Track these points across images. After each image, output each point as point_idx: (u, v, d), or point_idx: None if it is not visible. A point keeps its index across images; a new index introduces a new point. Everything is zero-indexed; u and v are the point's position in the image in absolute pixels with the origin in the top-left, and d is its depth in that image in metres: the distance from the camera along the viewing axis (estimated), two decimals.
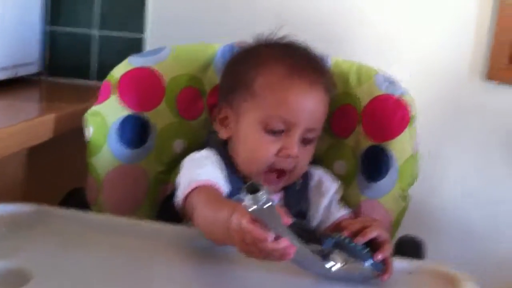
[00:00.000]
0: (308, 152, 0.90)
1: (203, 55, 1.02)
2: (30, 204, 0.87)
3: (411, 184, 0.94)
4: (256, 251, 0.65)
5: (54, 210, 0.88)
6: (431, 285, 0.77)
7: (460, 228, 1.25)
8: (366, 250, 0.75)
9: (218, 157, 0.90)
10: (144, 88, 0.99)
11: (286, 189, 0.92)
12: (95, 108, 0.97)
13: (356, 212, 0.95)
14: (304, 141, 0.89)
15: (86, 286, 0.69)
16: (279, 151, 0.87)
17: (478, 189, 1.24)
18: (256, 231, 0.64)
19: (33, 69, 1.29)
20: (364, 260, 0.74)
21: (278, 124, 0.87)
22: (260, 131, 0.87)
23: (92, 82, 1.32)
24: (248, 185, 0.63)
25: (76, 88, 1.30)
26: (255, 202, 0.62)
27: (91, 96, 1.15)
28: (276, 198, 0.91)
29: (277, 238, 0.64)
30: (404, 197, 0.94)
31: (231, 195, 0.85)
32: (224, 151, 0.92)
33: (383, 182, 0.94)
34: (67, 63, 1.34)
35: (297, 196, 0.92)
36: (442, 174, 1.24)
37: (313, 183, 0.95)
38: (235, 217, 0.66)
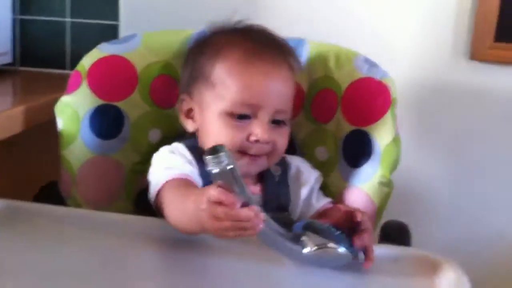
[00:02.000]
0: (282, 134, 0.87)
1: (176, 41, 0.98)
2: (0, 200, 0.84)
3: (393, 169, 0.92)
4: (228, 225, 0.64)
5: (25, 205, 0.85)
6: (415, 271, 0.75)
7: (446, 211, 1.24)
8: (340, 233, 0.71)
9: (188, 150, 0.87)
10: (116, 77, 0.96)
11: (264, 182, 0.89)
12: (64, 98, 0.94)
13: (338, 199, 0.93)
14: (276, 123, 0.86)
15: (59, 284, 0.67)
16: (248, 136, 0.84)
17: (463, 170, 1.23)
18: (224, 194, 0.63)
19: (5, 60, 1.25)
20: (338, 243, 0.71)
21: (243, 109, 0.84)
22: (225, 119, 0.84)
23: (67, 72, 1.28)
24: (210, 148, 0.61)
25: (51, 78, 1.27)
26: (217, 163, 0.61)
27: (66, 85, 1.11)
28: (255, 190, 0.88)
29: (245, 205, 0.63)
30: (388, 183, 0.91)
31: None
32: (196, 143, 0.89)
33: (365, 168, 0.91)
34: (41, 52, 1.30)
35: (276, 188, 0.90)
36: (426, 157, 1.23)
37: (291, 173, 0.92)
38: (204, 195, 0.66)
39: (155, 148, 0.92)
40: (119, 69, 0.96)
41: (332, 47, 0.97)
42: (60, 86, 1.15)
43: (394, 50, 1.20)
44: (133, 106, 0.96)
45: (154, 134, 0.98)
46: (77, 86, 0.94)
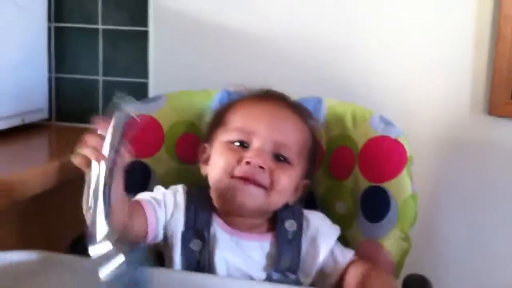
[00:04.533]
0: (285, 171, 0.86)
1: (199, 101, 1.04)
2: (34, 252, 0.87)
3: (411, 224, 0.94)
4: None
5: (59, 257, 0.88)
6: None
7: (464, 266, 1.24)
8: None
9: (184, 192, 0.89)
10: (144, 135, 1.01)
11: (277, 238, 0.88)
12: None
13: (357, 253, 0.93)
14: (278, 158, 0.86)
15: None
16: (241, 159, 0.85)
17: (484, 226, 1.23)
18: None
19: (41, 116, 1.32)
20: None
21: (239, 135, 0.87)
22: (224, 146, 0.88)
23: None
24: None
25: (84, 132, 1.32)
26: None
27: None
28: (266, 245, 0.88)
29: None
30: (406, 238, 0.93)
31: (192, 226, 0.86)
32: (203, 188, 0.91)
33: (384, 223, 0.93)
34: (75, 108, 1.37)
35: (287, 248, 0.87)
36: (445, 212, 1.24)
37: (309, 232, 0.90)
38: None
39: None
40: (147, 128, 1.01)
41: (349, 106, 1.01)
42: None
43: (413, 107, 1.23)
44: (160, 163, 1.01)
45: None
46: None
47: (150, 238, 0.85)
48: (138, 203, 0.85)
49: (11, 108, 1.20)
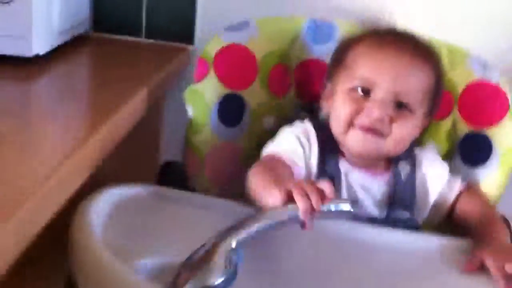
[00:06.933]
0: (405, 120, 0.87)
1: (290, 29, 1.02)
2: (145, 186, 0.87)
3: (510, 172, 0.97)
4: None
5: (170, 192, 0.89)
6: None
7: None
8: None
9: (313, 130, 0.92)
10: (239, 66, 0.99)
11: (392, 178, 0.92)
12: (194, 86, 0.97)
13: None
14: (399, 107, 0.87)
15: None
16: (360, 109, 0.87)
17: None
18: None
19: (83, 28, 1.25)
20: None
21: (360, 83, 0.88)
22: (346, 94, 0.89)
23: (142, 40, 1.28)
24: None
25: (125, 46, 1.26)
26: None
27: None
28: (382, 187, 0.91)
29: None
30: (503, 186, 0.97)
31: (321, 166, 0.89)
32: (320, 124, 0.93)
33: (483, 169, 0.97)
34: (117, 21, 1.30)
35: (402, 189, 0.91)
36: None
37: (420, 174, 0.93)
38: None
39: (269, 134, 0.97)
40: (242, 59, 0.99)
41: (443, 45, 0.99)
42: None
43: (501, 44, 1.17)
44: (253, 95, 1.00)
45: (268, 121, 1.02)
46: (204, 74, 0.97)
47: None
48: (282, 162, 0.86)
49: (63, 23, 1.13)
